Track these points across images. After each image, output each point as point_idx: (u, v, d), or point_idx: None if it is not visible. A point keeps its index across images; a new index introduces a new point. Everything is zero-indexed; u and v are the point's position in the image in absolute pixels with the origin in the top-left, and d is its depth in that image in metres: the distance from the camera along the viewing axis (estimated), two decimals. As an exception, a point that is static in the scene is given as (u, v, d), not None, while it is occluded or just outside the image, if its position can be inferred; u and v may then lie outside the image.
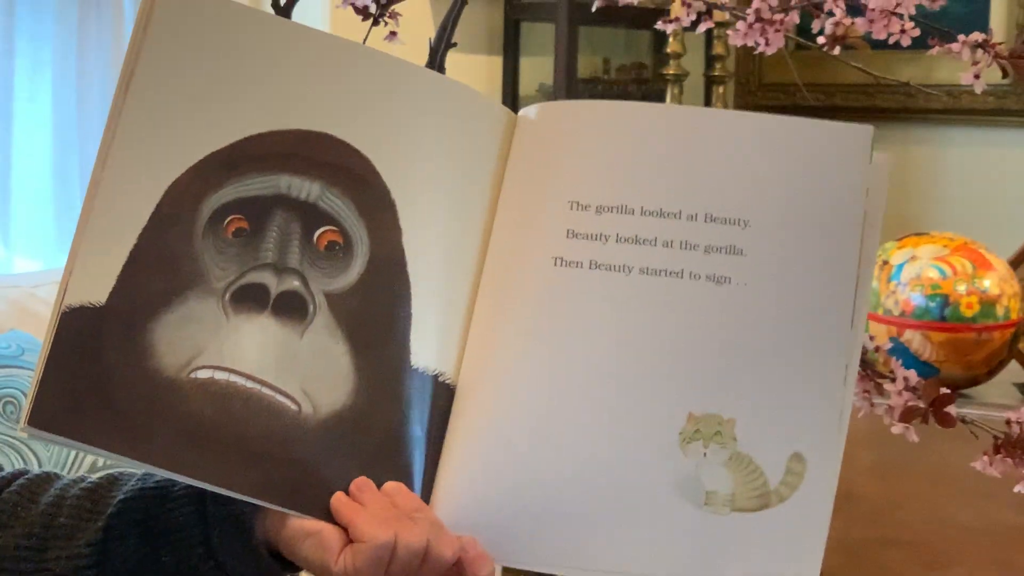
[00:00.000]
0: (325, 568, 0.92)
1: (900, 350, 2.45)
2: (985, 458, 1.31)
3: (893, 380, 1.31)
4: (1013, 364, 2.57)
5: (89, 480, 1.01)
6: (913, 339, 2.47)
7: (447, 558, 0.92)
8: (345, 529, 0.92)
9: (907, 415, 1.29)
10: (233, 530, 0.95)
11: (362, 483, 0.94)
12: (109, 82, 2.93)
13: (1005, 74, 1.26)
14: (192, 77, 0.99)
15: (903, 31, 1.23)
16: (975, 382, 2.54)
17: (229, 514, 0.95)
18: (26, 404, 0.90)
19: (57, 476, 1.03)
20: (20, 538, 0.98)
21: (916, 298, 2.46)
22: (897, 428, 1.30)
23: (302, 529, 0.93)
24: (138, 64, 0.98)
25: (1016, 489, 1.33)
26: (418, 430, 0.98)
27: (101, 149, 0.97)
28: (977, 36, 1.26)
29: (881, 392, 1.34)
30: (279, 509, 0.94)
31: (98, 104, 2.94)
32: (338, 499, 0.93)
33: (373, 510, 0.92)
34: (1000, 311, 2.47)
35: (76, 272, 0.94)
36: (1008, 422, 1.30)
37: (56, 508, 0.99)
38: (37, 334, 2.48)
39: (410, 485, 0.97)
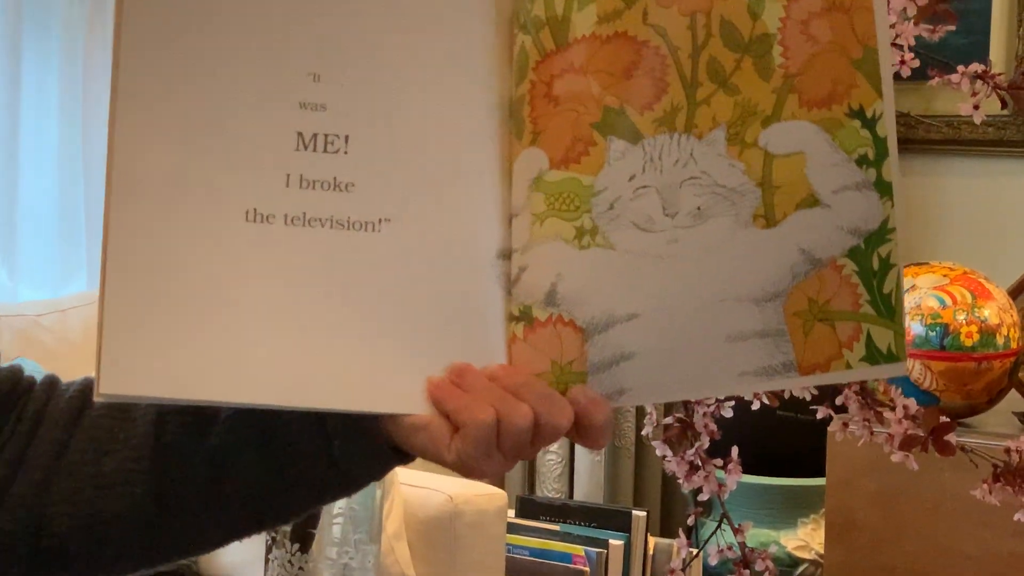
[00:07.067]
0: (440, 459, 0.90)
1: (900, 379, 2.46)
2: (985, 486, 1.31)
3: (893, 409, 1.32)
4: (1013, 393, 2.58)
5: None
6: (913, 368, 2.48)
7: (562, 427, 0.90)
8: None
9: (907, 443, 1.30)
10: (356, 437, 0.93)
11: (459, 367, 0.91)
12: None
13: (1004, 105, 1.28)
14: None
15: (903, 62, 1.25)
16: (975, 411, 2.55)
17: (348, 423, 0.93)
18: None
19: None
20: (129, 461, 0.96)
21: (916, 327, 2.47)
22: (897, 456, 1.31)
23: (412, 425, 0.91)
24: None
25: (1016, 517, 1.34)
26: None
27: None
28: (976, 67, 1.27)
29: (881, 421, 1.35)
30: (390, 412, 0.91)
31: (103, 133, 2.97)
32: (436, 387, 0.90)
33: (473, 393, 0.90)
34: (1000, 340, 2.48)
35: None
36: (1007, 450, 1.31)
37: (159, 428, 0.96)
38: (42, 363, 2.49)
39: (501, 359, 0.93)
